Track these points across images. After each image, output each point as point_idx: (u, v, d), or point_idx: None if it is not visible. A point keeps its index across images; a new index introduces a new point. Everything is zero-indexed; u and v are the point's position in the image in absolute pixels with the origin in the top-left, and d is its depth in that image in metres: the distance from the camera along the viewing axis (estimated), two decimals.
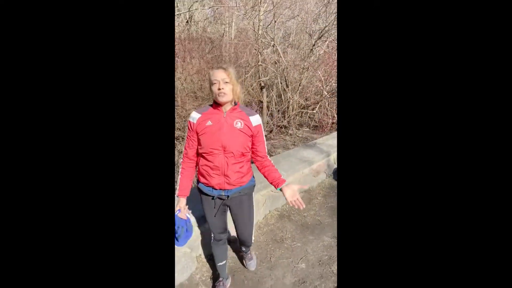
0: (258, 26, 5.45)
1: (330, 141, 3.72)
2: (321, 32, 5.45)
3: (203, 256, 1.94)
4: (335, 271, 1.85)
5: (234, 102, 1.32)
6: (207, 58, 5.51)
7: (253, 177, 1.48)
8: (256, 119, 1.34)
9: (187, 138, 1.36)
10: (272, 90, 5.56)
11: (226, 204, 1.42)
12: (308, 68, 5.40)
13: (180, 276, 1.74)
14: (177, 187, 1.39)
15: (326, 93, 4.91)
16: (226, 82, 1.23)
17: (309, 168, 2.92)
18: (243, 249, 1.76)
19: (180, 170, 1.40)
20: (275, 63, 5.43)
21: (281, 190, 1.29)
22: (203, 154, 1.31)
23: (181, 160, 1.41)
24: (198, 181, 1.41)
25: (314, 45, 5.51)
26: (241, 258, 1.94)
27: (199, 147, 1.33)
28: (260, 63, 5.11)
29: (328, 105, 5.00)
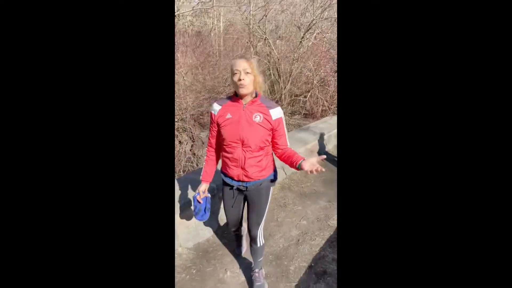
0: (250, 20, 5.76)
1: (321, 125, 4.14)
2: (309, 25, 5.80)
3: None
4: (331, 224, 2.27)
5: (255, 94, 1.31)
6: (198, 51, 5.75)
7: (275, 171, 1.47)
8: (276, 112, 1.31)
9: (210, 128, 1.40)
10: (266, 82, 5.92)
11: (244, 195, 1.45)
12: (298, 59, 5.76)
13: (198, 237, 2.11)
14: (202, 172, 1.49)
15: (316, 82, 5.31)
16: (247, 73, 1.22)
17: (304, 148, 3.33)
18: (252, 258, 1.65)
19: (205, 158, 1.49)
20: (267, 55, 5.78)
21: (300, 167, 1.23)
22: (223, 146, 1.35)
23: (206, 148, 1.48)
24: (221, 170, 1.46)
25: (303, 37, 5.86)
26: (250, 282, 1.70)
27: (220, 138, 1.36)
28: (253, 55, 5.44)
29: (318, 93, 5.41)
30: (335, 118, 4.69)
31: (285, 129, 1.37)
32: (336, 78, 5.50)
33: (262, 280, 1.65)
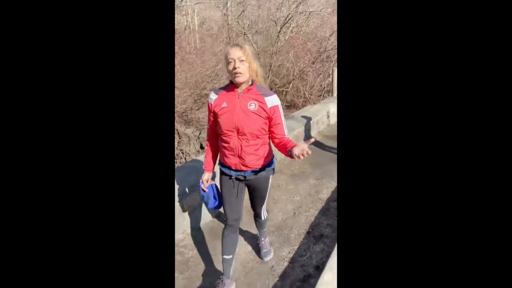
0: (227, 16, 5.89)
1: (304, 113, 4.40)
2: (285, 19, 6.03)
3: None
4: (321, 198, 2.52)
5: (251, 81, 1.30)
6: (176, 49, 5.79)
7: (273, 160, 1.46)
8: (272, 100, 1.29)
9: (208, 119, 1.41)
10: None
11: (244, 184, 1.45)
12: (276, 52, 5.99)
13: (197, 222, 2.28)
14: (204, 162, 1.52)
15: (296, 74, 5.56)
16: (242, 61, 1.21)
17: (291, 134, 3.56)
18: (258, 229, 1.82)
19: (205, 148, 1.51)
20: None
21: (291, 153, 1.18)
22: (220, 135, 1.35)
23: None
24: (219, 161, 1.46)
25: (280, 31, 6.09)
26: (257, 249, 1.88)
27: (217, 127, 1.37)
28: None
29: (298, 83, 5.67)
30: (315, 106, 4.97)
31: (282, 117, 1.33)
32: (314, 69, 5.79)
33: (268, 246, 1.85)
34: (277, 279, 1.66)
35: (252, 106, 1.27)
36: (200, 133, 5.78)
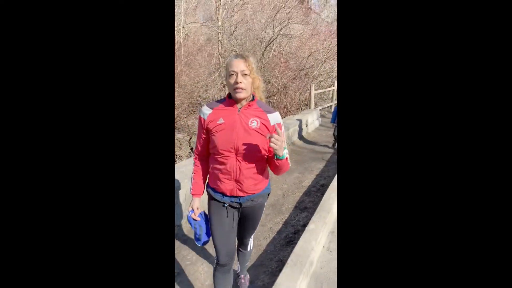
0: (220, 35, 6.58)
1: (287, 121, 5.11)
2: (270, 40, 6.84)
3: None
4: (303, 185, 3.17)
5: (252, 97, 1.16)
6: None
7: (269, 184, 1.30)
8: (275, 117, 1.17)
9: (198, 135, 1.23)
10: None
11: (238, 212, 1.26)
12: (261, 68, 6.73)
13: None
14: (191, 186, 1.28)
15: (280, 87, 6.32)
16: (245, 75, 1.08)
17: None
18: (239, 263, 1.60)
19: (193, 168, 1.29)
20: None
21: (275, 153, 1.10)
22: (214, 156, 1.18)
23: (193, 157, 1.29)
24: (208, 185, 1.27)
25: (265, 50, 6.87)
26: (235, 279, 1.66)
27: (210, 146, 1.20)
28: (224, 65, 6.26)
29: (281, 96, 6.43)
30: (296, 116, 5.71)
31: (284, 136, 1.15)
32: (294, 84, 6.60)
33: (248, 284, 1.64)
34: (275, 234, 2.24)
35: (254, 123, 1.13)
36: (190, 138, 6.27)
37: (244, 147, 1.11)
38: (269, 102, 6.63)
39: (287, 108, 6.53)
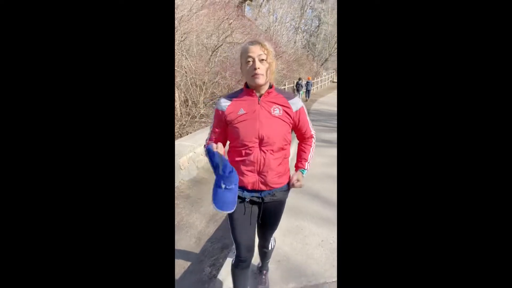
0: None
1: None
2: (215, 46, 7.59)
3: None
4: None
5: (270, 85, 1.15)
6: None
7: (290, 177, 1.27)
8: (296, 103, 1.17)
9: (213, 130, 1.19)
10: (188, 91, 7.33)
11: (259, 208, 1.24)
12: (209, 71, 7.45)
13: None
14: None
15: (228, 87, 7.16)
16: (263, 60, 1.06)
17: None
18: (261, 260, 1.62)
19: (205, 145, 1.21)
20: (184, 68, 7.21)
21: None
22: (235, 149, 1.15)
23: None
24: None
25: (212, 54, 7.59)
26: (254, 284, 1.66)
27: (230, 139, 1.18)
28: (178, 69, 6.76)
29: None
30: None
31: (308, 118, 1.22)
32: (241, 85, 7.51)
33: (268, 282, 1.65)
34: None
35: (277, 111, 1.13)
36: None
37: (269, 136, 1.10)
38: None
39: None
